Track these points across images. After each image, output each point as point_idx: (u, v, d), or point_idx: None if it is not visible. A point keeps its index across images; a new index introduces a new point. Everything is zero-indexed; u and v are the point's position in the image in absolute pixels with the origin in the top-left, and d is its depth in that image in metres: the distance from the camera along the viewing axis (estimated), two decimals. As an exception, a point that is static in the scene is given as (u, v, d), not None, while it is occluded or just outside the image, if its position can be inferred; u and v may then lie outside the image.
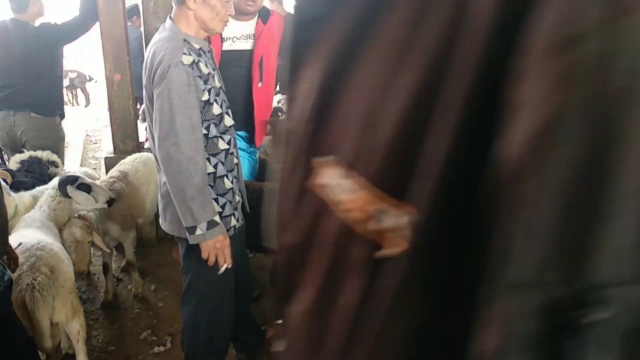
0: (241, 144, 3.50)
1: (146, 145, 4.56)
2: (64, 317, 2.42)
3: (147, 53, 2.12)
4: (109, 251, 3.28)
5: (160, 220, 2.33)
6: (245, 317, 2.71)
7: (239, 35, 3.22)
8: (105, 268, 3.44)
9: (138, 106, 5.84)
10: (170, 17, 2.19)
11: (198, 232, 1.99)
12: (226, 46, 3.22)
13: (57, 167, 3.56)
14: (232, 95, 3.27)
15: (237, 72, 3.28)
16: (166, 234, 4.28)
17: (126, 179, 3.54)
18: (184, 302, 2.36)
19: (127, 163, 3.72)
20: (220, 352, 2.44)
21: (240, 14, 3.15)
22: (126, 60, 4.03)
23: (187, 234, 2.02)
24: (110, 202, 2.94)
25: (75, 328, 2.47)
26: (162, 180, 2.18)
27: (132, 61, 4.13)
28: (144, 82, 2.13)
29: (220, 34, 3.12)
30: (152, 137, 2.09)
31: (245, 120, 3.12)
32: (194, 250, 2.11)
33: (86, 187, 2.85)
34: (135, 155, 3.83)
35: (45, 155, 3.57)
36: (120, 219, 3.35)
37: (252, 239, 3.08)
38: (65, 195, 2.83)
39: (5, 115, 3.94)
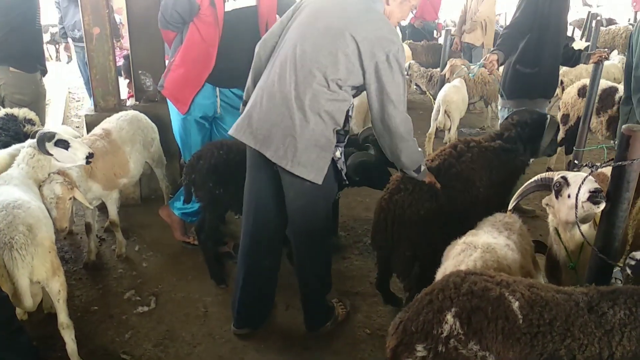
0: (236, 101, 3.43)
1: (128, 103, 4.44)
2: (43, 276, 2.37)
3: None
4: (91, 207, 3.22)
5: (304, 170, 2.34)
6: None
7: None
8: (88, 228, 3.38)
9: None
10: None
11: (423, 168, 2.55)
12: (228, 6, 3.12)
13: (33, 124, 3.44)
14: (240, 55, 3.21)
15: (242, 31, 3.22)
16: (150, 194, 4.33)
17: (109, 137, 3.44)
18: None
19: (111, 121, 3.60)
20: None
21: None
22: (105, 12, 3.86)
23: (415, 173, 2.52)
24: (89, 157, 2.85)
25: (56, 287, 2.43)
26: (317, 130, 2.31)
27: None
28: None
29: None
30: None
31: None
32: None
33: (64, 144, 2.76)
34: (121, 112, 3.71)
35: (21, 113, 3.44)
36: (102, 177, 3.27)
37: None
38: (45, 152, 2.75)
39: None
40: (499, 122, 3.93)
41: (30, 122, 3.40)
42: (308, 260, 2.64)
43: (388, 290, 2.99)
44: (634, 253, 1.58)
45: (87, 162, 2.88)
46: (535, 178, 2.19)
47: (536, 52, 3.64)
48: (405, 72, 6.59)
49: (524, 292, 1.58)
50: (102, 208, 3.64)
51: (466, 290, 1.58)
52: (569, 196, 1.95)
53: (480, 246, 2.10)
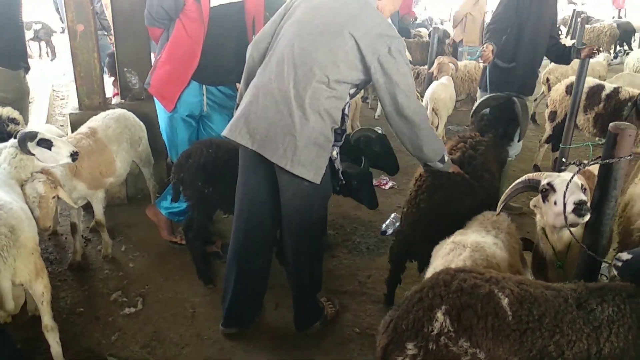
0: (224, 100, 3.40)
1: (113, 102, 4.38)
2: (26, 278, 2.33)
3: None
4: (75, 206, 3.16)
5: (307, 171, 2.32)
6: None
7: None
8: (73, 228, 3.33)
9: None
10: None
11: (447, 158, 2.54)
12: (214, 2, 3.09)
13: (17, 124, 3.37)
14: (226, 52, 3.18)
15: (228, 27, 3.19)
16: (137, 193, 4.28)
17: (95, 135, 3.38)
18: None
19: (98, 119, 3.54)
20: None
21: None
22: (89, 9, 3.80)
23: (440, 164, 2.51)
24: (73, 156, 2.80)
25: (39, 289, 2.38)
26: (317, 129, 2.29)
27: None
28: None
29: None
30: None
31: (238, 78, 2.98)
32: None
33: (47, 143, 2.71)
34: (109, 111, 3.66)
35: (5, 111, 3.37)
36: (87, 177, 3.22)
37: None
38: (27, 152, 2.70)
39: None
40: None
41: (13, 121, 3.34)
42: (302, 259, 2.62)
43: (394, 290, 2.98)
44: (620, 254, 1.58)
45: (72, 160, 2.83)
46: (523, 179, 2.18)
47: (514, 48, 3.72)
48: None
49: (513, 288, 1.58)
50: (88, 208, 3.59)
51: (456, 287, 1.58)
52: (555, 203, 1.94)
53: (469, 245, 2.10)
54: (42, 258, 2.46)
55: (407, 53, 7.65)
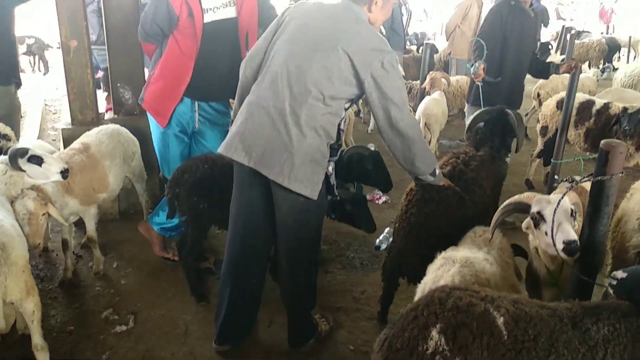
0: (215, 116, 3.40)
1: (106, 117, 4.37)
2: (17, 297, 2.30)
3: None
4: (66, 223, 3.13)
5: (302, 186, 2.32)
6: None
7: (219, 4, 3.13)
8: (65, 244, 3.29)
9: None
10: None
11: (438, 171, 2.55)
12: (207, 18, 3.10)
13: (9, 140, 3.36)
14: (219, 68, 3.18)
15: (222, 43, 3.20)
16: (129, 208, 4.25)
17: (88, 151, 3.36)
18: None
19: (91, 135, 3.53)
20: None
21: None
22: (83, 25, 3.81)
23: (431, 177, 2.52)
24: (64, 173, 2.79)
25: (30, 308, 2.35)
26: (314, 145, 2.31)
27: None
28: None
29: (201, 6, 3.05)
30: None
31: (230, 94, 2.98)
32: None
33: (37, 160, 2.69)
34: (101, 127, 3.65)
35: None
36: (79, 193, 3.19)
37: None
38: (17, 168, 2.68)
39: None
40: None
41: (5, 137, 3.33)
42: (297, 275, 2.61)
43: (388, 308, 2.96)
44: (615, 273, 1.58)
45: (63, 177, 2.82)
46: (513, 201, 2.18)
47: (500, 63, 3.86)
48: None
49: (508, 307, 1.57)
50: (79, 224, 3.55)
51: (451, 305, 1.57)
52: (545, 233, 1.96)
53: (459, 260, 2.10)
54: (32, 275, 2.42)
55: (401, 68, 7.73)
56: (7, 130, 3.41)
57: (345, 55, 2.22)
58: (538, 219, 2.00)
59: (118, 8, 3.96)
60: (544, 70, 4.15)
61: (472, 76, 3.67)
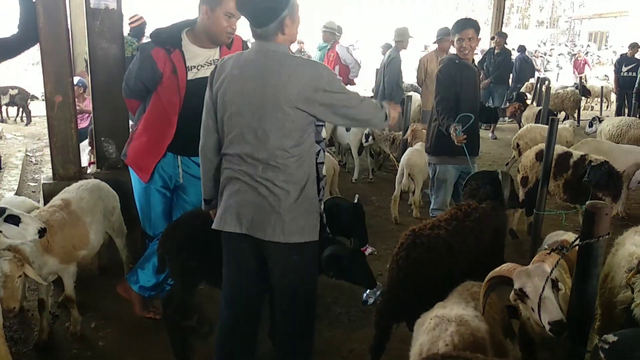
0: (198, 171, 3.37)
1: (89, 171, 4.33)
2: (-12, 366, 2.19)
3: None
4: (45, 283, 3.03)
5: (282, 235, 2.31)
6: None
7: (202, 62, 3.16)
8: (41, 305, 3.16)
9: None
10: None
11: None
12: (191, 75, 3.14)
13: (-12, 194, 3.29)
14: (199, 124, 3.19)
15: (203, 100, 3.20)
16: (111, 264, 4.14)
17: (68, 207, 3.30)
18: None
19: (71, 190, 3.47)
20: None
21: (212, 43, 3.11)
22: (69, 81, 3.82)
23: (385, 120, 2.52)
24: (41, 232, 2.72)
25: (2, 377, 2.24)
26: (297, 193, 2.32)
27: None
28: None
29: (185, 64, 3.08)
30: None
31: None
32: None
33: (14, 219, 2.63)
34: (82, 182, 3.60)
35: None
36: (59, 251, 3.10)
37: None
38: None
39: None
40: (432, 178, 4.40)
41: None
42: (293, 337, 2.55)
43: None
44: (605, 336, 1.57)
45: (40, 237, 2.75)
46: (494, 275, 2.17)
47: (455, 115, 4.04)
48: (370, 138, 6.71)
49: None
50: (56, 281, 3.43)
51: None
52: (532, 309, 1.97)
53: (454, 319, 2.07)
54: (6, 342, 2.32)
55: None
56: None
57: (291, 108, 2.24)
58: (522, 297, 2.01)
59: (103, 63, 3.99)
60: (491, 116, 4.53)
61: (456, 141, 3.77)
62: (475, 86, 4.23)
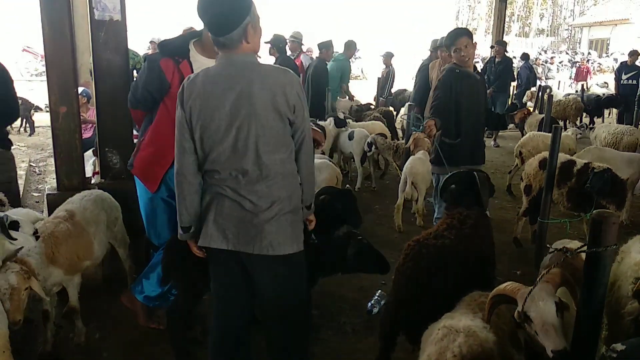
0: None
1: (93, 181, 4.34)
2: (-6, 379, 2.18)
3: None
4: (47, 298, 3.02)
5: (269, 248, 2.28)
6: None
7: None
8: (46, 316, 3.15)
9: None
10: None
11: None
12: None
13: (3, 205, 3.32)
14: None
15: None
16: (114, 274, 4.13)
17: (73, 218, 3.30)
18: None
19: (75, 201, 3.48)
20: None
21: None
22: (73, 91, 3.84)
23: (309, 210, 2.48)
24: (35, 234, 2.76)
25: (7, 390, 2.23)
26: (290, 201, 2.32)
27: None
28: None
29: (192, 71, 3.07)
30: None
31: None
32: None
33: (16, 224, 2.64)
34: (84, 192, 3.61)
35: None
36: (64, 262, 3.10)
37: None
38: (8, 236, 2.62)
39: None
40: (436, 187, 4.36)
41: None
42: (287, 352, 2.52)
43: None
44: (614, 345, 1.56)
45: (37, 239, 2.78)
46: (498, 293, 2.17)
47: (457, 125, 4.09)
48: (373, 147, 6.72)
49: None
50: (59, 292, 3.43)
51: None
52: (536, 332, 1.96)
53: (462, 330, 2.06)
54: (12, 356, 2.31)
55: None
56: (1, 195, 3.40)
57: (269, 116, 2.20)
58: (526, 319, 2.00)
59: (108, 73, 4.01)
60: (499, 122, 4.55)
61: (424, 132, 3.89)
62: (478, 94, 4.21)
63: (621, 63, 11.97)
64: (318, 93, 8.16)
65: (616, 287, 2.35)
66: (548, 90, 10.83)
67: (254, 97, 2.19)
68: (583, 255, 1.99)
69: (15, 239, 2.62)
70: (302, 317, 2.52)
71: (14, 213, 2.96)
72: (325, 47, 8.37)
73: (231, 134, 2.24)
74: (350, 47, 9.10)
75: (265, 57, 8.01)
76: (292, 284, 2.41)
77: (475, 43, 4.16)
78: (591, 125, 8.26)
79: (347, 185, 3.49)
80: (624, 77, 11.10)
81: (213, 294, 2.58)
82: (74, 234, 3.21)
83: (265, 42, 7.90)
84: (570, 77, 19.46)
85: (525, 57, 12.47)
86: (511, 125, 8.63)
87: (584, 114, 11.92)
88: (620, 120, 11.23)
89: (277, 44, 7.63)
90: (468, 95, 4.09)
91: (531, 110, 9.92)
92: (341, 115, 7.32)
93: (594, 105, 11.76)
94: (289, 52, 8.32)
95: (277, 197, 2.28)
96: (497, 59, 10.36)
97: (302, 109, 2.30)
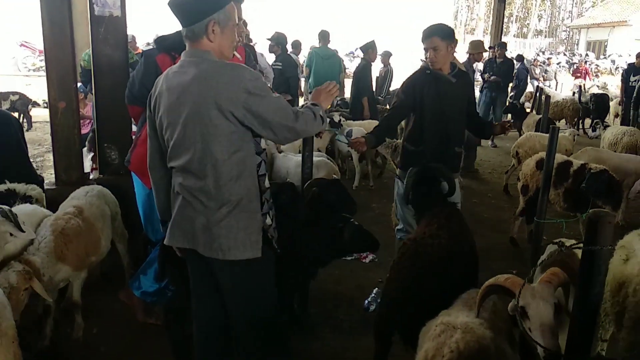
0: None
1: (91, 177, 4.34)
2: (4, 370, 2.18)
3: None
4: (51, 300, 3.01)
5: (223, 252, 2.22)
6: None
7: None
8: (47, 311, 3.13)
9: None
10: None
11: None
12: None
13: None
14: None
15: None
16: (111, 269, 4.14)
17: (82, 214, 3.31)
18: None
19: (79, 197, 3.48)
20: None
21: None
22: (72, 87, 3.85)
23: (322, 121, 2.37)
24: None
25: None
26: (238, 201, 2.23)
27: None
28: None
29: None
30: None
31: None
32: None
33: (15, 215, 2.66)
34: (86, 188, 3.62)
35: (22, 189, 3.39)
36: (73, 258, 3.09)
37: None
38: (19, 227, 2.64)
39: None
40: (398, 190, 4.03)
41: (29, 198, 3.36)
42: (253, 355, 2.48)
43: None
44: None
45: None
46: (493, 283, 2.17)
47: (420, 132, 3.69)
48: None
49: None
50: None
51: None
52: (529, 329, 1.97)
53: (459, 326, 2.08)
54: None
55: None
56: (35, 192, 3.47)
57: (215, 114, 2.11)
58: (521, 314, 2.01)
59: (108, 69, 4.02)
60: (485, 131, 4.13)
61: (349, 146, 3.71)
62: (453, 98, 3.66)
63: (629, 65, 11.90)
64: (361, 95, 8.27)
65: (631, 290, 2.31)
66: (541, 91, 10.88)
67: (196, 95, 2.13)
68: (579, 255, 2.01)
69: (24, 232, 2.62)
70: (267, 325, 2.43)
71: (19, 210, 2.97)
72: (370, 48, 8.34)
73: (179, 132, 2.19)
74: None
75: (267, 55, 8.07)
76: (254, 291, 2.36)
77: (455, 42, 3.58)
78: (606, 124, 8.28)
79: (334, 175, 3.50)
80: (632, 78, 11.05)
81: (191, 294, 2.56)
82: (84, 230, 3.22)
83: (267, 39, 7.93)
84: (572, 75, 19.49)
85: (520, 58, 12.50)
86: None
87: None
88: (626, 123, 11.22)
89: (278, 41, 7.64)
90: (437, 99, 3.60)
91: (525, 113, 9.98)
92: (337, 118, 7.28)
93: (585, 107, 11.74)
94: (289, 50, 8.35)
95: (227, 200, 2.19)
96: (498, 60, 10.38)
97: (259, 112, 2.14)
